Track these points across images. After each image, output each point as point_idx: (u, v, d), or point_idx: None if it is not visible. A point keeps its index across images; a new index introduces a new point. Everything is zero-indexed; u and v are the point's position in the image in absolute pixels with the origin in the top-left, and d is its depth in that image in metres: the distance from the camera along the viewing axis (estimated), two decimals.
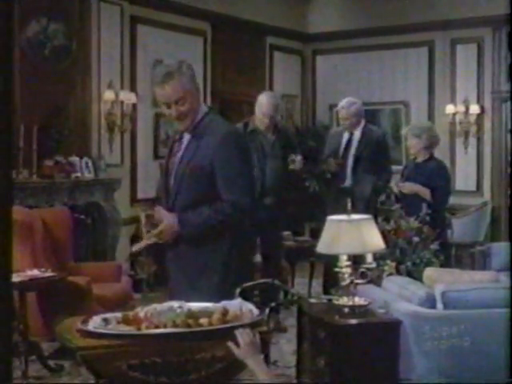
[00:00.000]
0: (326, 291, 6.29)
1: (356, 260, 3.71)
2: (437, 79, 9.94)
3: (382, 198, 6.00)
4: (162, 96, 3.17)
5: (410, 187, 5.80)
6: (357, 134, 6.62)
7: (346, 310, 3.65)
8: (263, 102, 5.98)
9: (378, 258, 4.30)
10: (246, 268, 3.35)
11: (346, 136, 6.67)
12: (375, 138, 6.62)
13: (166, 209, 3.28)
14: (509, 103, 9.50)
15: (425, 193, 5.66)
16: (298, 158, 6.07)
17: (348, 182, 6.59)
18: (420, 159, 5.86)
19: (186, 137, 3.28)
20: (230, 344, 2.52)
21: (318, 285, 7.18)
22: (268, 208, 5.86)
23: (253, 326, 2.64)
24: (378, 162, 6.53)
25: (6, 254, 1.34)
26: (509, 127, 9.74)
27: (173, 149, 3.34)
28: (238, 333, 2.54)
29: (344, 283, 3.68)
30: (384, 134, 6.93)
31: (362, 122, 6.67)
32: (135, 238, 7.33)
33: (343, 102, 6.64)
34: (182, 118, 3.19)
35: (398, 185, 5.94)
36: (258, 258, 6.00)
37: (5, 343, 1.36)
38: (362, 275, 3.66)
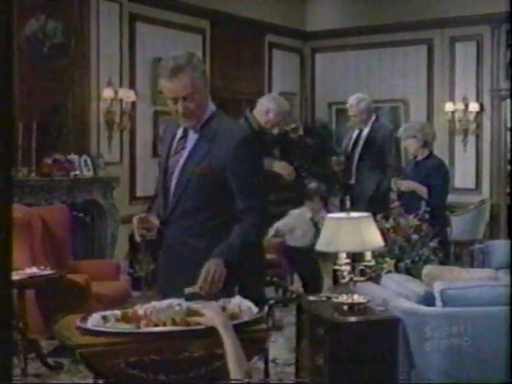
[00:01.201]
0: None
1: (355, 258, 3.71)
2: (436, 77, 9.94)
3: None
4: (169, 91, 2.96)
5: (406, 185, 5.81)
6: (366, 130, 6.57)
7: (345, 307, 3.65)
8: (270, 107, 5.26)
9: (377, 255, 4.30)
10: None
11: (356, 132, 6.64)
12: (381, 136, 6.54)
13: (164, 211, 3.11)
14: (508, 101, 9.51)
15: (421, 190, 5.66)
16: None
17: (353, 180, 6.59)
18: (419, 157, 5.87)
19: (192, 136, 3.07)
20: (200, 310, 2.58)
21: None
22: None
23: (252, 323, 2.64)
24: (385, 160, 6.47)
25: (6, 252, 1.34)
26: (508, 125, 9.75)
27: (172, 146, 3.15)
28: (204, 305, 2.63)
29: (343, 281, 3.68)
30: (392, 131, 6.80)
31: (372, 118, 6.60)
32: (134, 237, 7.33)
33: (351, 99, 6.58)
34: (188, 115, 3.00)
35: (395, 183, 5.95)
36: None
37: (5, 341, 1.36)
38: (361, 273, 3.66)
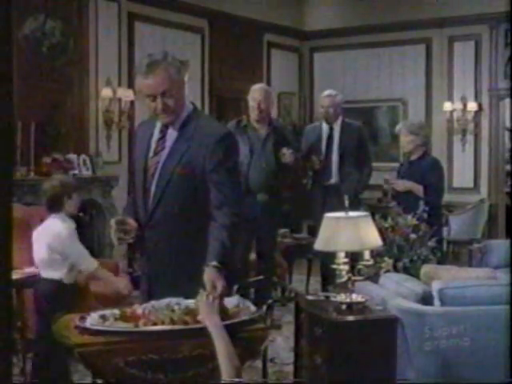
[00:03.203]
0: (324, 289, 6.25)
1: (353, 257, 3.71)
2: (434, 76, 9.95)
3: (378, 195, 6.01)
4: (147, 87, 2.92)
5: (402, 184, 5.80)
6: (337, 128, 6.52)
7: (344, 306, 3.65)
8: (255, 88, 5.89)
9: (376, 255, 4.30)
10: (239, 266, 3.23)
11: (325, 130, 6.54)
12: (357, 131, 6.54)
13: (145, 213, 3.04)
14: (506, 100, 9.52)
15: (418, 189, 5.65)
16: (289, 151, 5.88)
17: (334, 179, 6.44)
18: (414, 157, 5.85)
19: (171, 136, 3.03)
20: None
21: (315, 282, 7.18)
22: (261, 205, 5.73)
23: (251, 322, 2.65)
24: (361, 156, 6.47)
25: (7, 252, 1.34)
26: (506, 125, 9.75)
27: (151, 147, 3.09)
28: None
29: (341, 280, 3.68)
30: (362, 126, 6.87)
31: (341, 117, 6.61)
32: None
33: (328, 91, 6.61)
34: (168, 112, 2.96)
35: (390, 182, 5.90)
36: (252, 255, 5.99)
37: (5, 341, 1.36)
38: (360, 272, 3.67)
